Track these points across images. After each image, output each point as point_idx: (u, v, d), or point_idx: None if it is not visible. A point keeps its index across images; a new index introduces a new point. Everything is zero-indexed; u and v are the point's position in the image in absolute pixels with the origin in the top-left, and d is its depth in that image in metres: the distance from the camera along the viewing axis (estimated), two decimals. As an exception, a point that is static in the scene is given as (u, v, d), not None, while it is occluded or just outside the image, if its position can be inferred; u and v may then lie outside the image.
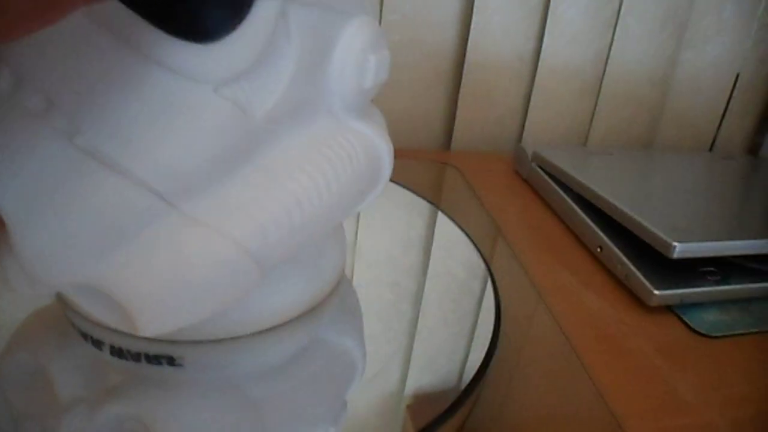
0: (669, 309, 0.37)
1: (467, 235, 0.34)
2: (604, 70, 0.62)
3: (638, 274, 0.37)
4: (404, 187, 0.40)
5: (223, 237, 0.19)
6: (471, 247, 0.33)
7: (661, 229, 0.37)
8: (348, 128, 0.22)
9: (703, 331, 0.36)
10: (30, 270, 0.18)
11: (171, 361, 0.23)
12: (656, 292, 0.36)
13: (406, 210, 0.39)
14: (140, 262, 0.18)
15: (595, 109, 0.64)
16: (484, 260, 0.33)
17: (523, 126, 0.64)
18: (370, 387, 0.24)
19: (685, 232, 0.37)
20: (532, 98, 0.62)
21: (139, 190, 0.18)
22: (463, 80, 0.59)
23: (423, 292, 0.29)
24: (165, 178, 0.18)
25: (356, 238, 0.34)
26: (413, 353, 0.26)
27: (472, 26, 0.57)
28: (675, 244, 0.36)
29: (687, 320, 0.36)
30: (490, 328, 0.27)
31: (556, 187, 0.48)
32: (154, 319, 0.19)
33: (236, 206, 0.20)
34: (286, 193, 0.20)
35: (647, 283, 0.36)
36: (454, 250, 0.34)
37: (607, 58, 0.62)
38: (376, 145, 0.23)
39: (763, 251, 0.38)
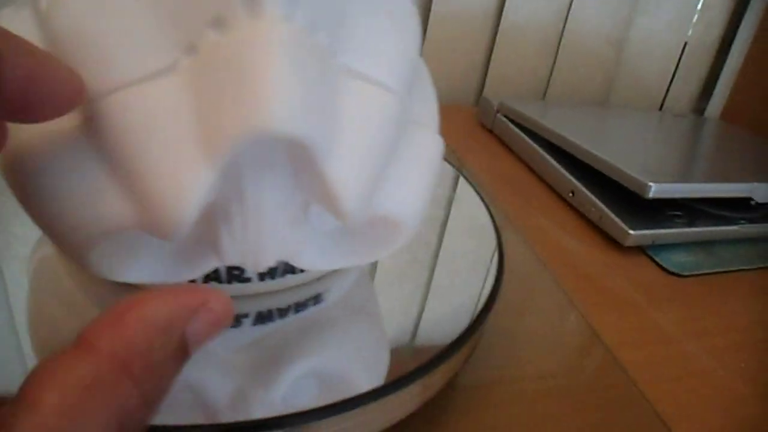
0: (641, 250, 0.38)
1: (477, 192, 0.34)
2: (564, 28, 0.63)
3: (612, 215, 0.38)
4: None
5: (436, 135, 0.23)
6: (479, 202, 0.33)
7: (635, 171, 0.38)
8: None
9: (674, 270, 0.37)
10: (346, 198, 0.16)
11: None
12: (632, 232, 0.37)
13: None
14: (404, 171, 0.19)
15: (554, 65, 0.65)
16: (491, 215, 0.32)
17: (483, 81, 0.64)
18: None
19: (657, 174, 0.38)
20: (494, 53, 0.62)
21: (394, 96, 0.18)
22: (429, 32, 0.59)
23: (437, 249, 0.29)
24: (404, 86, 0.19)
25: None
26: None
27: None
28: (651, 184, 0.36)
29: (658, 260, 0.37)
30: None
31: (525, 136, 0.48)
32: (415, 222, 0.20)
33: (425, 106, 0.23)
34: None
35: (622, 224, 0.37)
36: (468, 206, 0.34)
37: (567, 16, 0.62)
38: None
39: (731, 194, 0.40)
